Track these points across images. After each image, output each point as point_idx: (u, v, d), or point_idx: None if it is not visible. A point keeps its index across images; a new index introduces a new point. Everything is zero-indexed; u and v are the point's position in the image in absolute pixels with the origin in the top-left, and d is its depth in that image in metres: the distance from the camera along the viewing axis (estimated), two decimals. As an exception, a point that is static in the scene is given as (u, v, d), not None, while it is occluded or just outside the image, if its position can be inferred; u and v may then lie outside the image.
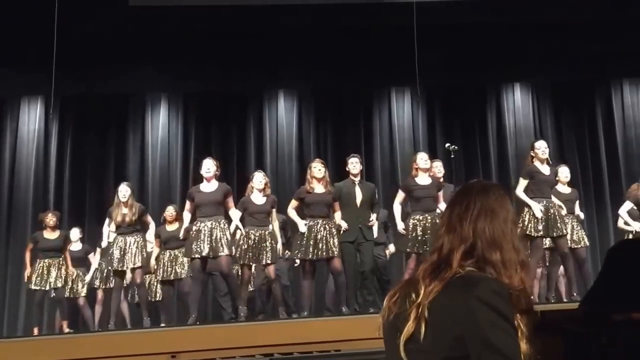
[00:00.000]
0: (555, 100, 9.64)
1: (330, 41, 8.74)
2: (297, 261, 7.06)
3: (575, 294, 5.79)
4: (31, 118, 9.07)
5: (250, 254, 5.84)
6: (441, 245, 1.48)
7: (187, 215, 5.99)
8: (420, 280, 1.43)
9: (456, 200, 1.53)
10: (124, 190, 6.31)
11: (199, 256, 5.72)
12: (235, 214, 5.92)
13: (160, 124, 9.38)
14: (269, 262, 5.91)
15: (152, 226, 6.58)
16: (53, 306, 7.09)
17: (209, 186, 5.92)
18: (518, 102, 9.63)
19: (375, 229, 6.30)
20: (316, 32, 8.64)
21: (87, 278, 7.22)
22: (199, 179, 6.14)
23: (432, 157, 6.41)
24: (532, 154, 6.07)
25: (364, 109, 9.65)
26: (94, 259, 7.31)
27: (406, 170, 9.19)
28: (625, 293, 2.47)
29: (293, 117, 9.53)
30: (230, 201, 5.95)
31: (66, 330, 6.87)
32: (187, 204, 5.98)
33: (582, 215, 6.54)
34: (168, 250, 6.74)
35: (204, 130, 9.44)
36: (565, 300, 5.85)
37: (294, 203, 6.03)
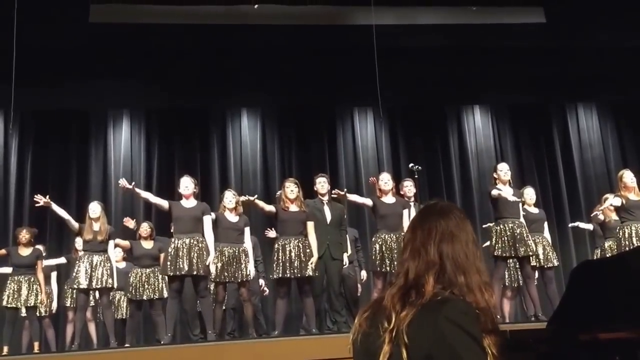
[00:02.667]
0: (514, 123, 9.95)
1: (293, 61, 8.85)
2: (262, 283, 7.07)
3: (540, 315, 5.91)
4: (-11, 132, 8.89)
5: (226, 272, 5.80)
6: (407, 270, 1.48)
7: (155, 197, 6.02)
8: (389, 307, 1.43)
9: (417, 223, 1.54)
10: (94, 207, 6.26)
11: (178, 274, 5.66)
12: (209, 236, 5.86)
13: (123, 140, 9.28)
14: (243, 279, 5.87)
15: (111, 247, 6.43)
16: (21, 325, 6.90)
17: (187, 203, 5.93)
18: (478, 124, 9.90)
19: (347, 247, 6.33)
20: (279, 52, 8.73)
21: (54, 297, 7.06)
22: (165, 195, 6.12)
23: (398, 177, 6.52)
24: (494, 175, 6.26)
25: (327, 128, 9.76)
26: (54, 277, 7.17)
27: (370, 189, 9.35)
28: (590, 313, 2.58)
29: (257, 135, 9.56)
30: (207, 220, 5.90)
31: (36, 350, 6.70)
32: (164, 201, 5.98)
33: (549, 238, 6.67)
34: (139, 269, 6.65)
35: (167, 147, 9.38)
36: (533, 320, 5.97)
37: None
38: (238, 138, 9.51)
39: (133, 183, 6.13)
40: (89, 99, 8.84)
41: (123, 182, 6.02)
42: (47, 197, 6.22)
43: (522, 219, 6.13)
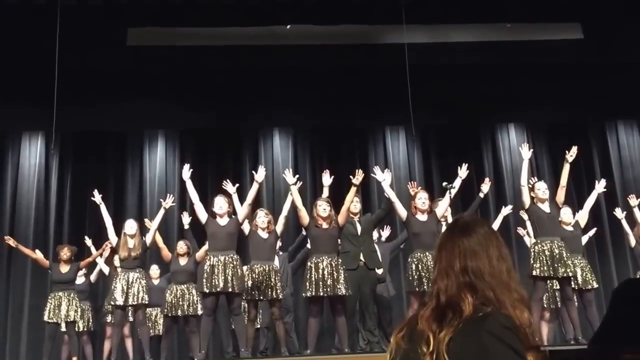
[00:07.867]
0: (551, 141, 9.76)
1: (325, 80, 8.90)
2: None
3: (580, 338, 5.75)
4: (32, 153, 9.21)
5: (256, 290, 5.83)
6: (438, 292, 1.47)
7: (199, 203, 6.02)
8: (426, 329, 1.41)
9: (442, 243, 1.53)
10: (130, 225, 6.45)
11: (214, 291, 5.71)
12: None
13: (158, 160, 9.44)
14: (274, 297, 5.88)
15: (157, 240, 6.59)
16: (60, 339, 7.07)
17: (222, 221, 6.01)
18: (513, 142, 9.73)
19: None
20: (311, 72, 8.81)
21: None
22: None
23: (431, 195, 6.47)
24: (532, 194, 6.12)
25: (359, 147, 9.74)
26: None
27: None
28: (634, 333, 2.48)
29: (289, 154, 9.59)
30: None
31: None
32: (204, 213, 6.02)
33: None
34: (175, 285, 6.77)
35: (200, 166, 9.46)
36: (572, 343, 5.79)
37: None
38: (270, 157, 9.56)
39: (190, 171, 6.20)
40: (126, 120, 9.05)
41: (186, 172, 6.15)
42: (100, 196, 6.67)
43: (564, 238, 6.00)
